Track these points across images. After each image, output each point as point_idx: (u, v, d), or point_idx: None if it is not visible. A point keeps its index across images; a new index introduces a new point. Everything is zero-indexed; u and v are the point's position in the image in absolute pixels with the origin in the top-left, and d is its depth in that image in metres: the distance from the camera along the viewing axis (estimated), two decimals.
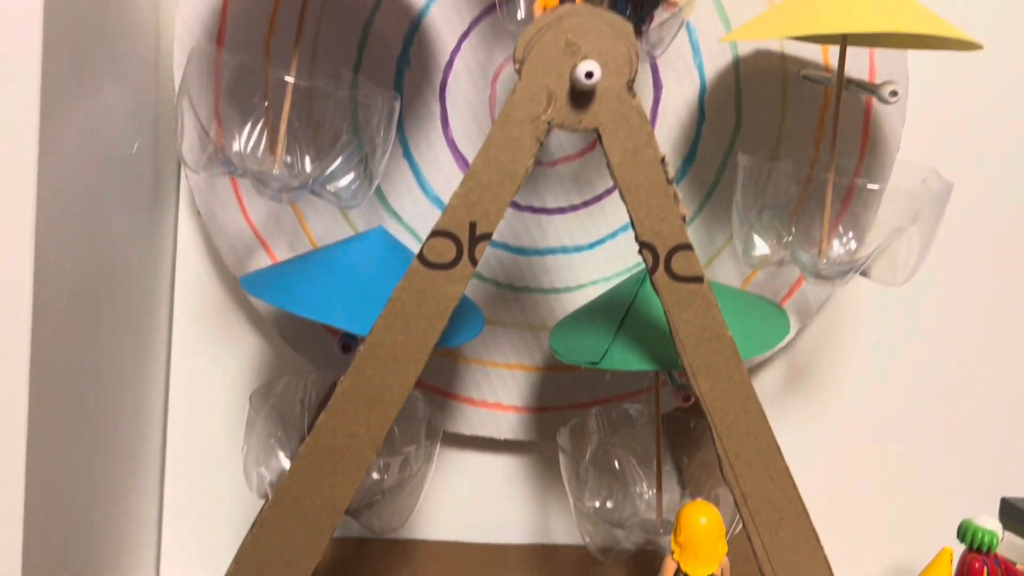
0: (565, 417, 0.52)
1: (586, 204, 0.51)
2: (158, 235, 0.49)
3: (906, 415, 0.56)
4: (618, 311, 0.43)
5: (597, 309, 0.45)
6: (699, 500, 0.41)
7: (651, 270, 0.37)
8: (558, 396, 0.53)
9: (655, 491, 0.49)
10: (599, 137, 0.36)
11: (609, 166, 0.36)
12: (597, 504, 0.48)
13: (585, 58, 0.35)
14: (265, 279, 0.41)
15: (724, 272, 0.51)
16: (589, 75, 0.34)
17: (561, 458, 0.48)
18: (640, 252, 0.37)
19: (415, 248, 0.49)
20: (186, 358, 0.52)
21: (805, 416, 0.56)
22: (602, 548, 0.47)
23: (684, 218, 0.37)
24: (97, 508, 0.44)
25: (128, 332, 0.47)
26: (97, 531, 0.45)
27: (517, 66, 0.35)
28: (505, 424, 0.53)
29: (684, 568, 0.40)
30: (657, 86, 0.49)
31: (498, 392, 0.52)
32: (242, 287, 0.41)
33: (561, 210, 0.51)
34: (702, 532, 0.40)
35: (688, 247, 0.37)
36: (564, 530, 0.55)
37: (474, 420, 0.53)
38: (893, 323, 0.55)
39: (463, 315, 0.43)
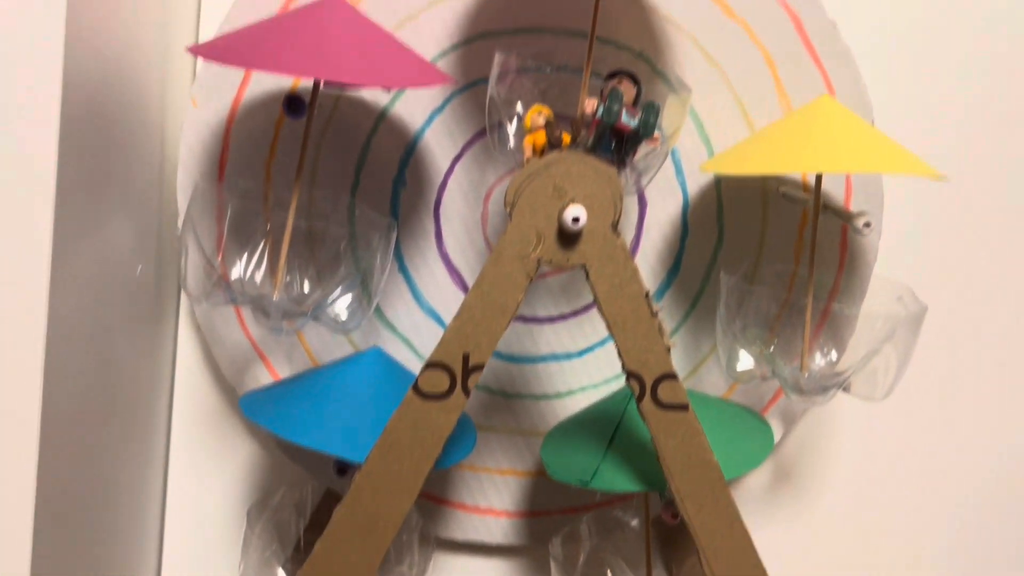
0: (557, 522, 0.53)
1: (575, 313, 0.52)
2: (159, 348, 0.51)
3: (894, 519, 0.57)
4: (607, 428, 0.44)
5: (586, 424, 0.47)
6: None
7: (638, 398, 0.39)
8: (550, 501, 0.53)
9: None
10: (586, 273, 0.38)
11: (596, 300, 0.38)
12: None
13: (572, 202, 0.37)
14: (263, 401, 0.42)
15: (710, 379, 0.52)
16: (576, 220, 0.36)
17: (552, 567, 0.49)
18: (627, 381, 0.38)
19: (409, 360, 0.51)
20: (184, 467, 0.53)
21: (791, 519, 0.56)
22: None
23: (668, 349, 0.38)
24: None
25: (129, 445, 0.48)
26: None
27: (508, 208, 0.37)
28: (498, 529, 0.53)
29: None
30: (642, 202, 0.51)
31: (490, 497, 0.53)
32: (241, 408, 0.42)
33: (551, 319, 0.52)
34: None
35: (673, 376, 0.38)
36: None
37: (467, 525, 0.53)
38: (879, 426, 0.56)
39: (455, 434, 0.45)
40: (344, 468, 0.43)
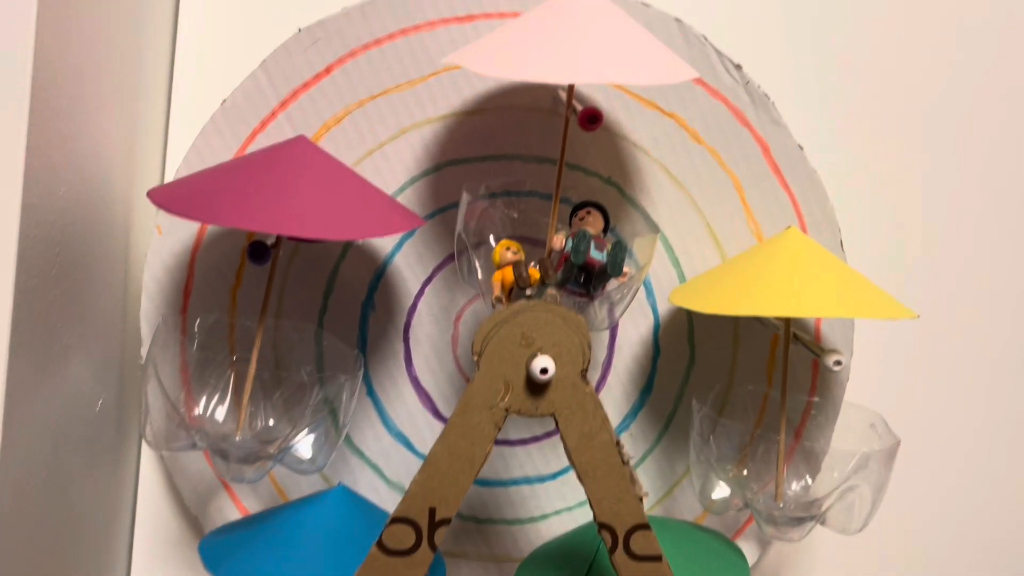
0: None
1: (548, 435, 0.52)
2: (119, 481, 0.49)
3: None
4: (580, 566, 0.43)
5: (559, 559, 0.45)
6: None
7: (610, 550, 0.38)
8: None
9: None
10: (556, 423, 0.37)
11: (566, 449, 0.37)
12: None
13: (540, 352, 0.36)
14: (223, 550, 0.41)
15: (685, 501, 0.52)
16: (544, 371, 0.36)
17: None
18: (599, 532, 0.38)
19: (378, 487, 0.50)
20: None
21: None
22: None
23: (641, 499, 0.38)
24: None
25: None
26: None
27: (475, 357, 0.37)
28: None
29: None
30: (613, 324, 0.51)
31: None
32: (200, 556, 0.41)
33: (523, 441, 0.51)
34: None
35: (645, 527, 0.38)
36: None
37: None
38: (855, 546, 0.56)
39: None
40: None
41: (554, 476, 0.52)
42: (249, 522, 0.43)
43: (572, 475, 0.52)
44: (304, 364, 0.44)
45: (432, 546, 0.37)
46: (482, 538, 0.52)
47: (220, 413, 0.43)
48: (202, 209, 0.35)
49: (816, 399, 0.50)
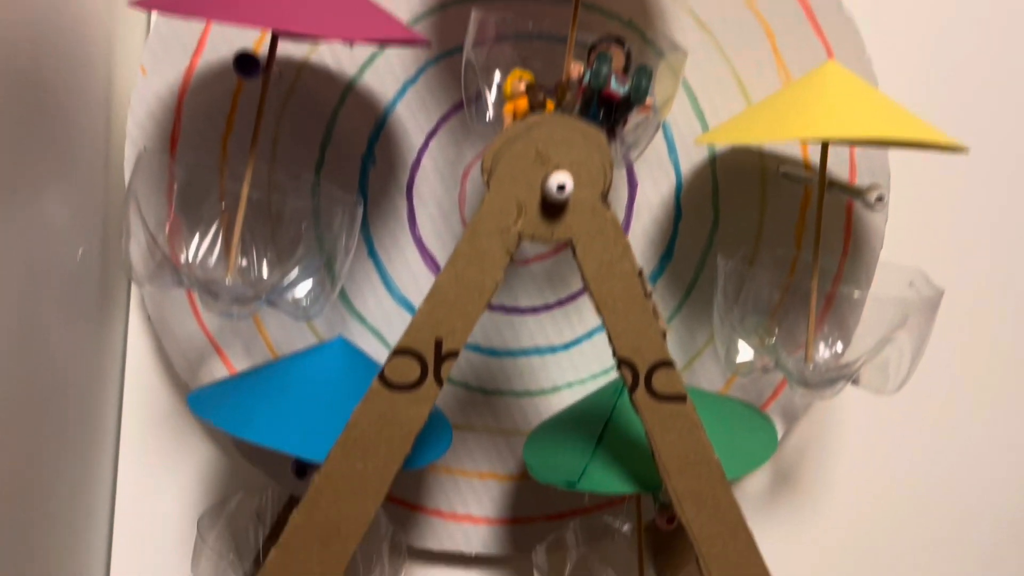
0: (541, 529, 0.49)
1: (560, 303, 0.49)
2: (105, 343, 0.46)
3: (900, 524, 0.53)
4: (596, 425, 0.40)
5: (573, 421, 0.43)
6: None
7: (631, 389, 0.35)
8: (533, 507, 0.49)
9: None
10: (573, 249, 0.34)
11: (584, 279, 0.34)
12: None
13: (557, 169, 0.33)
14: (214, 398, 0.38)
15: (706, 373, 0.49)
16: (561, 188, 0.32)
17: None
18: (618, 369, 0.35)
19: (379, 354, 0.47)
20: (134, 472, 0.48)
21: (792, 525, 0.53)
22: None
23: (664, 334, 0.35)
24: None
25: (73, 448, 0.43)
26: None
27: (486, 176, 0.33)
28: (476, 538, 0.49)
29: None
30: (632, 184, 0.47)
31: (468, 503, 0.49)
32: (190, 407, 0.38)
33: (534, 310, 0.48)
34: None
35: (669, 364, 0.35)
36: None
37: (442, 534, 0.49)
38: (884, 423, 0.53)
39: (428, 429, 0.41)
40: (304, 469, 0.38)
41: (566, 347, 0.49)
42: (241, 374, 0.40)
43: (585, 346, 0.50)
44: (299, 211, 0.41)
45: (438, 380, 0.34)
46: (489, 411, 0.49)
47: (210, 261, 0.40)
48: (187, 5, 0.32)
49: (848, 260, 0.46)
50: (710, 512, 0.35)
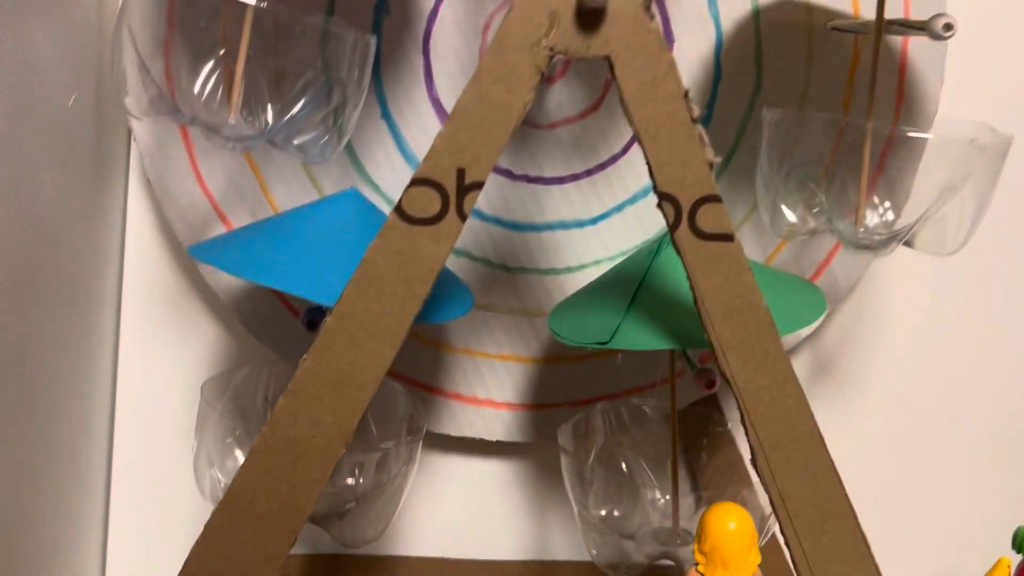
0: (566, 415, 0.46)
1: (589, 173, 0.45)
2: (103, 206, 0.43)
3: (946, 413, 0.50)
4: (629, 285, 0.37)
5: (604, 286, 0.40)
6: (727, 502, 0.35)
7: (672, 226, 0.31)
8: (558, 391, 0.47)
9: (669, 497, 0.43)
10: (611, 67, 0.31)
11: (623, 101, 0.31)
12: (603, 512, 0.42)
13: None
14: (217, 245, 0.35)
15: (746, 248, 0.45)
16: None
17: (563, 460, 0.42)
18: (659, 205, 0.31)
19: None
20: (136, 348, 0.46)
21: (831, 415, 0.50)
22: (611, 563, 0.41)
23: (711, 165, 0.31)
24: (37, 512, 0.38)
25: (70, 317, 0.41)
26: (37, 537, 0.38)
27: None
28: (498, 424, 0.47)
29: None
30: (668, 39, 0.44)
31: (490, 387, 0.46)
32: (191, 255, 0.35)
33: (560, 180, 0.45)
34: (731, 538, 0.34)
35: (716, 199, 0.31)
36: (565, 544, 0.49)
37: (462, 419, 0.47)
38: (928, 310, 0.49)
39: (449, 290, 0.38)
40: (315, 323, 0.36)
41: (594, 221, 0.46)
42: (248, 226, 0.37)
43: (614, 221, 0.46)
44: (306, 49, 0.38)
45: (461, 215, 0.31)
46: (512, 289, 0.46)
47: (212, 105, 0.37)
48: None
49: (902, 121, 0.43)
50: (757, 363, 0.32)
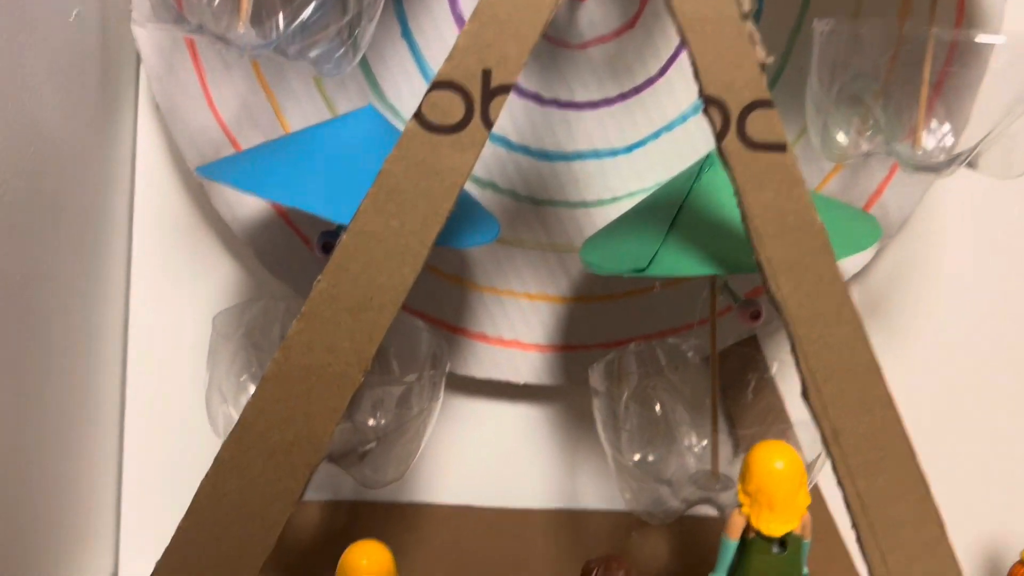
0: (597, 357, 0.43)
1: (623, 97, 0.42)
2: (111, 133, 0.41)
3: (1002, 358, 0.47)
4: (668, 209, 0.35)
5: (640, 212, 0.37)
6: (773, 440, 0.32)
7: (719, 135, 0.29)
8: (588, 332, 0.44)
9: (707, 442, 0.41)
10: None
11: None
12: (638, 457, 0.40)
13: None
14: (225, 164, 0.33)
15: None
16: None
17: (595, 402, 0.40)
18: (705, 111, 0.29)
19: None
20: (148, 281, 0.44)
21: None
22: (647, 509, 0.38)
23: (763, 66, 0.28)
24: (49, 448, 0.37)
25: (79, 248, 0.39)
26: (49, 473, 0.37)
27: None
28: (525, 366, 0.44)
29: (756, 524, 0.32)
30: None
31: (516, 327, 0.44)
32: (197, 174, 0.33)
33: (593, 104, 0.42)
34: (778, 478, 0.31)
35: (768, 104, 0.28)
36: (595, 492, 0.47)
37: (487, 361, 0.44)
38: (982, 247, 0.46)
39: (473, 216, 0.35)
40: (331, 245, 0.33)
41: (628, 149, 0.43)
42: (259, 145, 0.35)
43: (650, 149, 0.43)
44: None
45: (487, 121, 0.28)
46: (540, 223, 0.43)
47: (221, 14, 0.34)
48: None
49: (963, 34, 0.39)
50: (810, 286, 0.29)
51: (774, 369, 0.42)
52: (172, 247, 0.43)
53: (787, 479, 0.31)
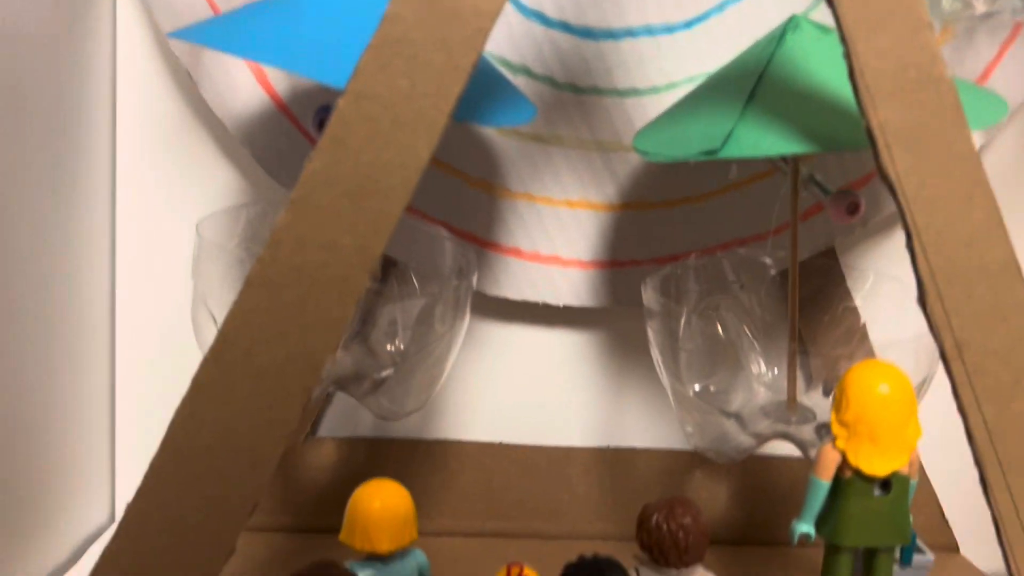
0: (648, 275, 0.38)
1: None
2: (88, 23, 0.35)
3: None
4: (744, 82, 0.28)
5: (709, 89, 0.31)
6: (877, 360, 0.26)
7: None
8: (640, 245, 0.38)
9: (778, 369, 0.35)
10: None
11: None
12: (699, 387, 0.34)
13: None
14: (206, 26, 0.27)
15: None
16: None
17: (649, 324, 0.34)
18: None
19: None
20: (134, 186, 0.39)
21: None
22: (712, 446, 0.33)
23: None
24: (42, 363, 0.33)
25: (59, 149, 0.34)
26: (42, 389, 0.33)
27: None
28: (565, 285, 0.39)
29: (854, 461, 0.26)
30: None
31: (555, 240, 0.38)
32: (170, 38, 0.27)
33: None
34: (884, 405, 0.25)
35: None
36: (643, 429, 0.41)
37: (522, 279, 0.38)
38: None
39: (504, 95, 0.29)
40: (327, 120, 0.28)
41: (688, 25, 0.36)
42: (241, 7, 0.29)
43: (713, 24, 0.37)
44: None
45: None
46: (582, 116, 0.37)
47: None
48: None
49: None
50: (936, 161, 0.23)
51: (869, 284, 0.36)
52: (161, 146, 0.38)
53: (894, 406, 0.25)
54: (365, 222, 0.23)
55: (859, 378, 0.26)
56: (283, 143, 0.36)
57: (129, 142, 0.38)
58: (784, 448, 0.40)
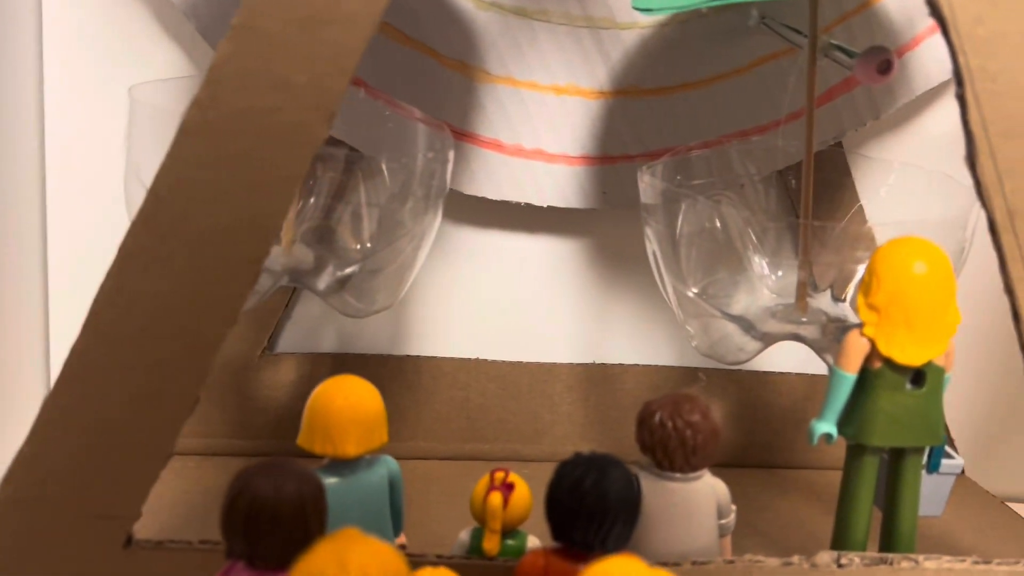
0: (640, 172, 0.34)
1: None
2: None
3: None
4: None
5: None
6: (910, 236, 0.23)
7: None
8: (634, 137, 0.35)
9: (783, 272, 0.32)
10: None
11: None
12: (697, 289, 0.31)
13: None
14: None
15: None
16: None
17: (645, 220, 0.30)
18: None
19: None
20: (62, 61, 0.34)
21: None
22: (716, 350, 0.30)
23: None
24: None
25: None
26: None
27: None
28: (550, 183, 0.35)
29: (886, 350, 0.23)
30: None
31: (539, 131, 0.35)
32: None
33: None
34: (921, 286, 0.22)
35: None
36: (632, 345, 0.38)
37: (502, 176, 0.35)
38: None
39: None
40: None
41: None
42: None
43: None
44: None
45: None
46: None
47: None
48: None
49: None
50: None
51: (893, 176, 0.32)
52: (92, 20, 0.33)
53: (932, 287, 0.22)
54: (322, 57, 0.19)
55: (893, 256, 0.23)
56: (232, 16, 0.32)
57: (57, 14, 0.33)
58: (783, 363, 0.38)
